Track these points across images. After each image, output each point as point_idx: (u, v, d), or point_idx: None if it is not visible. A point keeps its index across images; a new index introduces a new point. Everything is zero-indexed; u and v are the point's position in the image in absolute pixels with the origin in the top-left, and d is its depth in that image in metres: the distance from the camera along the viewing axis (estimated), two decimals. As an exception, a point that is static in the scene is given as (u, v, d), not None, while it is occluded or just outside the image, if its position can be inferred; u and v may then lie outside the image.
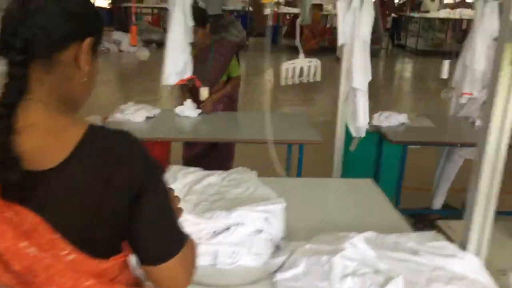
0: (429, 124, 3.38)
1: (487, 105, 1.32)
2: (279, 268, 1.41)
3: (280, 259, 1.43)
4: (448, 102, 3.49)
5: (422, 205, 3.82)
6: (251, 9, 12.40)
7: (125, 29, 11.69)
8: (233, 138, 3.36)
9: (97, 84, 0.92)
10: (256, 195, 1.68)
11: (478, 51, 2.69)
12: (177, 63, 2.05)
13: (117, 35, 10.83)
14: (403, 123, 3.33)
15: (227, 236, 1.46)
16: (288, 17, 13.52)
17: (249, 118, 3.73)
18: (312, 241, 1.46)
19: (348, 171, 3.88)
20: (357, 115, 2.61)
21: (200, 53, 3.55)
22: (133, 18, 8.80)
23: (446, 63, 2.91)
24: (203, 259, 1.43)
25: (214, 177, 1.80)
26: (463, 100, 2.81)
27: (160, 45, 10.26)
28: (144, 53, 9.90)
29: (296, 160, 3.16)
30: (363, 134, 2.78)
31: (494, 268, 1.67)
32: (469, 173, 2.06)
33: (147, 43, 11.20)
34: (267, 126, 1.32)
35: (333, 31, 11.56)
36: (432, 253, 1.43)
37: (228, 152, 3.77)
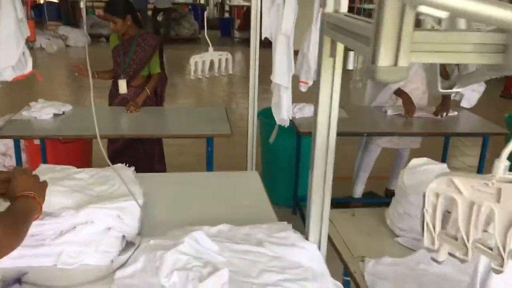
0: (343, 114, 3.43)
1: (315, 95, 1.35)
2: (123, 265, 1.40)
3: (125, 256, 1.43)
4: (357, 93, 3.55)
5: (345, 194, 3.90)
6: (202, 1, 12.32)
7: (73, 24, 11.45)
8: (153, 133, 3.33)
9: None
10: (118, 192, 1.67)
11: (313, 40, 2.72)
12: (11, 57, 2.01)
13: (64, 29, 10.60)
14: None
15: (73, 236, 1.45)
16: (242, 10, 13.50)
17: (172, 114, 3.72)
18: (161, 236, 1.47)
19: (269, 163, 3.93)
20: (281, 108, 2.65)
21: (123, 44, 3.52)
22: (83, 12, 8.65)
23: (351, 54, 2.96)
24: (45, 261, 1.42)
25: (82, 175, 1.78)
26: (302, 88, 2.85)
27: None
28: (52, 47, 9.79)
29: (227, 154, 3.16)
30: (287, 124, 2.83)
31: (354, 255, 1.73)
32: (388, 161, 2.11)
33: (96, 37, 11.01)
34: (95, 121, 1.30)
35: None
36: (276, 243, 1.45)
37: (154, 146, 3.76)
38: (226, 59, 3.13)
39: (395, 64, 0.85)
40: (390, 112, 3.42)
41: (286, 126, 2.82)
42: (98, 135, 1.32)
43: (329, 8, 1.22)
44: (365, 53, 0.92)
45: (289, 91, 2.48)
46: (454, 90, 1.16)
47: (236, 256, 1.39)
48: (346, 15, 1.17)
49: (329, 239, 1.82)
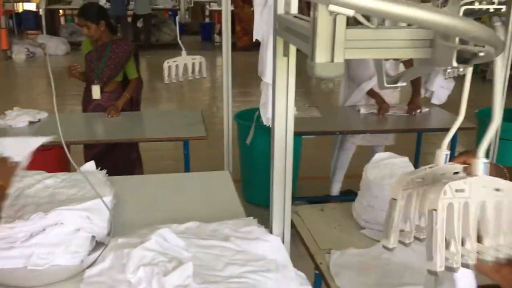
0: (317, 114, 3.50)
1: (272, 95, 1.40)
2: (92, 264, 1.45)
3: (94, 256, 1.47)
4: (330, 93, 3.64)
5: (323, 193, 3.96)
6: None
7: (52, 32, 11.40)
8: (129, 137, 3.36)
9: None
10: (88, 195, 1.71)
11: (268, 45, 2.77)
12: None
13: (43, 38, 10.55)
14: (291, 115, 3.44)
15: (42, 237, 1.48)
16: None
17: (149, 118, 3.76)
18: (129, 235, 1.51)
19: (247, 164, 3.98)
20: (268, 107, 2.73)
21: (96, 50, 3.56)
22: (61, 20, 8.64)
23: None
24: (15, 262, 1.45)
25: (52, 179, 1.81)
26: (267, 88, 2.90)
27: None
28: (19, 56, 9.79)
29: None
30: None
31: (321, 247, 1.79)
32: (364, 160, 2.17)
33: (76, 45, 10.97)
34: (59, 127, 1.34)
35: (267, 26, 11.67)
36: (241, 237, 1.51)
37: (131, 151, 3.79)
38: (200, 63, 3.19)
39: (332, 60, 0.91)
40: (363, 111, 3.50)
41: (255, 130, 2.88)
42: (63, 141, 1.36)
43: (280, 10, 1.28)
44: (307, 51, 0.98)
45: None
46: (399, 84, 1.23)
47: (202, 251, 1.44)
48: (295, 16, 1.23)
49: (298, 233, 1.88)
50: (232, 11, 11.15)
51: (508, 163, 3.79)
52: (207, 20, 13.43)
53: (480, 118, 4.14)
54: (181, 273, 1.27)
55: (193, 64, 3.18)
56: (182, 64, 3.12)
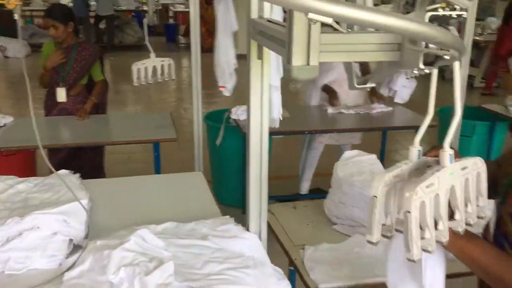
0: (285, 114, 3.56)
1: (247, 96, 1.45)
2: (71, 267, 1.45)
3: (72, 258, 1.48)
4: (298, 93, 3.72)
5: (292, 192, 4.04)
6: (146, 8, 12.22)
7: (10, 34, 11.08)
8: (97, 141, 3.33)
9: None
10: (63, 198, 1.71)
11: (222, 46, 2.85)
12: None
13: (2, 40, 10.25)
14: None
15: (19, 242, 1.48)
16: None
17: (117, 121, 3.74)
18: (107, 237, 1.52)
19: (217, 165, 4.01)
20: (272, 108, 2.79)
21: (62, 52, 3.51)
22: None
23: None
24: (-8, 267, 1.44)
25: (25, 184, 1.80)
26: (226, 93, 2.97)
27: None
28: None
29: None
30: (277, 125, 2.97)
31: (295, 243, 1.84)
32: (333, 158, 2.24)
33: (37, 47, 10.70)
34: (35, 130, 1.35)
35: (231, 27, 11.71)
36: (219, 236, 1.54)
37: (98, 153, 3.76)
38: (169, 65, 3.20)
39: (307, 63, 0.96)
40: (330, 110, 3.59)
41: (275, 127, 2.97)
42: (41, 146, 1.36)
43: (254, 14, 1.33)
44: (283, 55, 1.03)
45: (279, 91, 2.59)
46: (368, 85, 1.29)
47: (181, 250, 1.47)
48: (269, 21, 1.28)
49: (272, 231, 1.93)
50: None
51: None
52: (171, 21, 13.35)
53: (441, 116, 4.31)
54: (163, 272, 1.30)
55: (162, 66, 3.19)
56: (151, 66, 3.13)
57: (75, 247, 1.57)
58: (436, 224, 0.94)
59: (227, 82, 2.93)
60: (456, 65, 0.91)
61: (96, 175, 3.65)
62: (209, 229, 1.59)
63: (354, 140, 3.80)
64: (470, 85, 7.98)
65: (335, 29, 0.99)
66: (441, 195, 0.93)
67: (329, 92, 3.66)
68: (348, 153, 2.11)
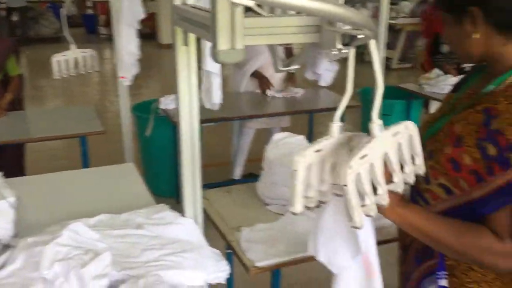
0: (214, 101, 3.59)
1: (176, 85, 1.46)
2: (1, 267, 1.40)
3: (1, 258, 1.42)
4: (225, 80, 3.74)
5: (226, 178, 4.08)
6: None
7: None
8: (17, 139, 3.17)
9: None
10: (-13, 198, 1.63)
11: (124, 35, 2.85)
12: None
13: None
14: (189, 104, 3.49)
15: None
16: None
17: (37, 117, 3.57)
18: (38, 234, 1.48)
19: (148, 156, 3.96)
20: (212, 93, 2.81)
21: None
22: None
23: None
24: None
25: None
26: (126, 83, 2.99)
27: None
28: None
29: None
30: (217, 108, 2.99)
31: (230, 226, 1.89)
32: (264, 143, 2.28)
33: None
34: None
35: (154, 17, 11.46)
36: (155, 224, 1.55)
37: (17, 152, 3.59)
38: (91, 56, 3.11)
39: (233, 47, 0.99)
40: (270, 93, 3.70)
41: (215, 110, 2.99)
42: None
43: (177, 1, 1.33)
44: (209, 40, 1.05)
45: (219, 77, 2.61)
46: (292, 67, 1.35)
47: (117, 241, 1.46)
48: (193, 7, 1.29)
49: (207, 216, 1.96)
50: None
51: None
52: (90, 11, 12.82)
53: (362, 96, 4.52)
54: (99, 263, 1.29)
55: (84, 58, 3.09)
56: (72, 58, 3.02)
57: (4, 247, 1.51)
58: (375, 190, 1.00)
59: (127, 73, 2.90)
60: (372, 42, 0.98)
61: (20, 174, 3.48)
62: (144, 218, 1.59)
63: (283, 123, 3.90)
64: (387, 67, 8.40)
65: (258, 13, 1.02)
66: (376, 163, 0.98)
67: (260, 78, 3.74)
68: (277, 136, 2.17)
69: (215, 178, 4.09)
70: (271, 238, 1.79)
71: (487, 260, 1.09)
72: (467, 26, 1.12)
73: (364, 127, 4.49)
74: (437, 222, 1.12)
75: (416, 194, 1.24)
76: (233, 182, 4.00)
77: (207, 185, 3.67)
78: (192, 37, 1.39)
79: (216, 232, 1.89)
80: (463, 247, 1.10)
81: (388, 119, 4.22)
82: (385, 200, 1.01)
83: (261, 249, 1.73)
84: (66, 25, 3.11)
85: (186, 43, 1.40)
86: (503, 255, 1.07)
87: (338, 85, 4.19)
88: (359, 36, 0.91)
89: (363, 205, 0.97)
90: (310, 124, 4.25)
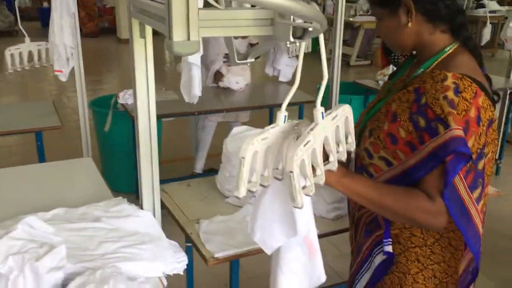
0: (174, 97, 3.58)
1: (132, 78, 1.45)
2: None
3: (-48, 254, 1.39)
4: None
5: (188, 173, 4.08)
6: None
7: None
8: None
9: None
10: None
11: (58, 28, 2.86)
12: None
13: None
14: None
15: None
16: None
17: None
18: (-9, 229, 1.45)
19: (107, 152, 3.91)
20: (193, 85, 2.78)
21: None
22: None
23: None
24: None
25: None
26: (62, 78, 2.97)
27: None
28: None
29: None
30: (196, 101, 2.95)
31: (190, 219, 1.90)
32: (223, 139, 2.29)
33: None
34: None
35: (113, 11, 11.25)
36: (113, 216, 1.55)
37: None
38: (46, 49, 3.03)
39: (188, 38, 1.00)
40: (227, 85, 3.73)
41: (194, 103, 2.97)
42: None
43: (133, -7, 1.33)
44: (164, 31, 1.06)
45: (199, 69, 2.60)
46: (248, 60, 1.37)
47: (73, 234, 1.45)
48: (149, -1, 1.29)
49: (167, 209, 1.97)
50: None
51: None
52: (45, 5, 12.44)
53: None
54: (54, 256, 1.27)
55: (39, 51, 3.02)
56: (26, 51, 2.94)
57: (-45, 244, 1.47)
58: (314, 170, 1.07)
59: (63, 67, 2.87)
60: (321, 36, 1.02)
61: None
62: (102, 211, 1.59)
63: (243, 117, 3.93)
64: (347, 64, 8.57)
65: (213, 6, 1.04)
66: (317, 148, 1.06)
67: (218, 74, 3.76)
68: (236, 129, 2.20)
69: (178, 173, 4.09)
70: (230, 230, 1.81)
71: (421, 219, 1.22)
72: (403, 17, 1.29)
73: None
74: (378, 188, 1.24)
75: (361, 169, 1.37)
76: (194, 177, 4.00)
77: (168, 180, 3.68)
78: (149, 29, 1.39)
79: (175, 226, 1.90)
80: (401, 208, 1.21)
81: (345, 113, 4.17)
82: (322, 180, 1.08)
83: (220, 240, 1.75)
84: (18, 17, 3.02)
85: (143, 36, 1.40)
86: (434, 213, 1.19)
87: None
88: (309, 29, 0.94)
89: (304, 187, 1.02)
90: (270, 119, 4.29)
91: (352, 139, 1.18)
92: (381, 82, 4.07)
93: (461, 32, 1.32)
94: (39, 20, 11.63)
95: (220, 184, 2.11)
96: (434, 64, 1.29)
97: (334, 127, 1.12)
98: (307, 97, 3.83)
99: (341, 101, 3.71)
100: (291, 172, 1.00)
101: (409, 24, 1.28)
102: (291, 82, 4.35)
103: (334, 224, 1.94)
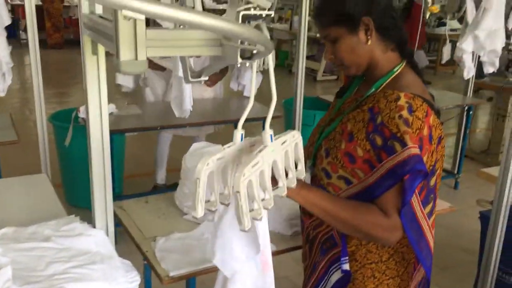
0: (136, 111, 3.55)
1: (85, 94, 1.44)
2: None
3: None
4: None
5: (150, 187, 4.04)
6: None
7: None
8: None
9: None
10: None
11: None
12: None
13: None
14: (111, 113, 3.42)
15: None
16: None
17: None
18: None
19: (68, 166, 3.84)
20: (184, 99, 2.87)
21: None
22: None
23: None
24: None
25: None
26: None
27: None
28: None
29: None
30: (187, 115, 3.01)
31: (146, 236, 1.88)
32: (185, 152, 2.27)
33: None
34: None
35: (78, 22, 11.11)
36: (63, 236, 1.51)
37: None
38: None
39: (136, 58, 1.00)
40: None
41: (186, 117, 3.01)
42: None
43: (85, 10, 1.33)
44: (112, 50, 1.05)
45: (190, 84, 2.61)
46: (202, 78, 1.38)
47: (21, 254, 1.41)
48: (100, 17, 1.29)
49: (123, 226, 1.94)
50: (41, 6, 10.35)
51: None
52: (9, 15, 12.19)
53: (286, 107, 4.64)
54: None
55: (-4, 64, 2.94)
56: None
57: None
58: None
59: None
60: (269, 57, 1.03)
61: None
62: (52, 230, 1.55)
63: (206, 131, 3.93)
64: (313, 79, 8.70)
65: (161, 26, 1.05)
66: (265, 170, 1.06)
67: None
68: (196, 145, 2.19)
69: (140, 189, 4.04)
70: (187, 247, 1.80)
71: (376, 234, 1.25)
72: (361, 35, 1.31)
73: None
74: (336, 201, 1.27)
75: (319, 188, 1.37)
76: (156, 192, 3.96)
77: (130, 196, 3.64)
78: (101, 46, 1.38)
79: (134, 247, 1.87)
80: (357, 222, 1.25)
81: (310, 129, 4.35)
82: (270, 205, 1.08)
83: (177, 258, 1.73)
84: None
85: (96, 53, 1.39)
86: (389, 229, 1.22)
87: (262, 96, 4.29)
88: (254, 52, 0.95)
89: (251, 210, 1.02)
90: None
91: (302, 166, 1.18)
92: (344, 98, 4.14)
93: (405, 50, 1.36)
94: (3, 30, 11.38)
95: (179, 201, 2.09)
96: (385, 83, 1.32)
97: (283, 152, 1.12)
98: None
99: (305, 116, 3.76)
100: (238, 192, 1.00)
101: (369, 42, 1.30)
102: (255, 97, 4.39)
103: (292, 240, 1.95)
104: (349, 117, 1.32)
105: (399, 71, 1.33)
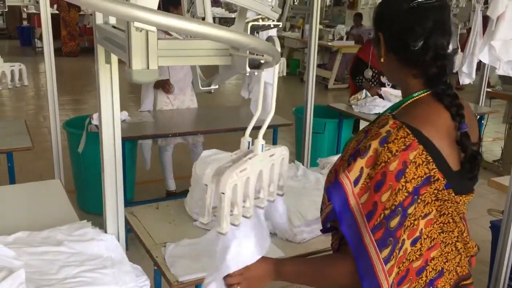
0: (150, 119, 3.59)
1: (98, 101, 1.47)
2: None
3: None
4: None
5: (163, 194, 4.08)
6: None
7: None
8: None
9: None
10: None
11: None
12: None
13: None
14: (124, 120, 3.47)
15: None
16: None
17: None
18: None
19: (81, 172, 3.88)
20: (267, 103, 2.79)
21: None
22: None
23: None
24: None
25: None
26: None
27: None
28: None
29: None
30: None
31: (156, 242, 1.90)
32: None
33: None
34: None
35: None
36: (75, 240, 1.55)
37: None
38: (20, 70, 3.03)
39: (147, 67, 1.03)
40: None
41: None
42: None
43: (99, 20, 1.36)
44: (125, 60, 1.09)
45: (275, 88, 2.68)
46: (212, 87, 1.41)
47: (35, 258, 1.45)
48: (113, 27, 1.32)
49: (134, 231, 1.97)
50: (58, 15, 10.52)
51: (320, 153, 4.36)
52: (25, 23, 12.41)
53: (296, 115, 4.66)
54: (13, 281, 1.27)
55: (12, 72, 3.02)
56: (-1, 72, 2.94)
57: None
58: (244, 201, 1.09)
59: None
60: (276, 67, 1.06)
61: None
62: (64, 235, 1.58)
63: (201, 138, 3.99)
64: (325, 87, 8.71)
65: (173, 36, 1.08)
66: (251, 178, 1.08)
67: (161, 84, 3.75)
68: (206, 152, 2.22)
69: (152, 195, 4.08)
70: (197, 253, 1.82)
71: (346, 281, 1.17)
72: (380, 49, 1.24)
73: (298, 145, 4.61)
74: (304, 269, 1.26)
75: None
76: (167, 199, 3.99)
77: (141, 203, 3.66)
78: (114, 55, 1.42)
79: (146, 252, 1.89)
80: (325, 281, 1.21)
81: (321, 137, 4.38)
82: (249, 213, 1.09)
83: (186, 264, 1.75)
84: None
85: (109, 62, 1.43)
86: (353, 272, 1.13)
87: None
88: (262, 61, 0.98)
89: (231, 214, 1.04)
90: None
91: (283, 182, 1.20)
92: (354, 106, 4.14)
93: (434, 83, 1.19)
94: (18, 39, 11.59)
95: (189, 207, 2.12)
96: (400, 107, 1.21)
97: (270, 164, 1.15)
98: (282, 120, 3.88)
99: (315, 125, 3.77)
100: (223, 193, 1.02)
101: (381, 59, 1.23)
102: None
103: (301, 247, 1.96)
104: (357, 136, 1.25)
105: (418, 97, 1.20)
